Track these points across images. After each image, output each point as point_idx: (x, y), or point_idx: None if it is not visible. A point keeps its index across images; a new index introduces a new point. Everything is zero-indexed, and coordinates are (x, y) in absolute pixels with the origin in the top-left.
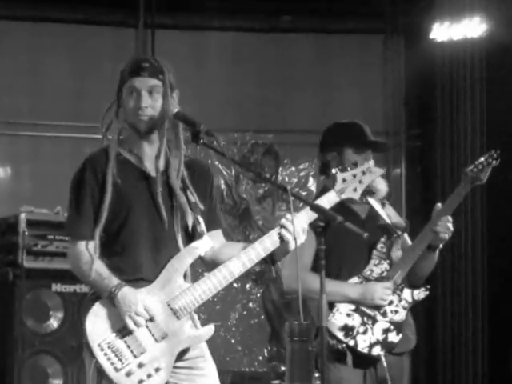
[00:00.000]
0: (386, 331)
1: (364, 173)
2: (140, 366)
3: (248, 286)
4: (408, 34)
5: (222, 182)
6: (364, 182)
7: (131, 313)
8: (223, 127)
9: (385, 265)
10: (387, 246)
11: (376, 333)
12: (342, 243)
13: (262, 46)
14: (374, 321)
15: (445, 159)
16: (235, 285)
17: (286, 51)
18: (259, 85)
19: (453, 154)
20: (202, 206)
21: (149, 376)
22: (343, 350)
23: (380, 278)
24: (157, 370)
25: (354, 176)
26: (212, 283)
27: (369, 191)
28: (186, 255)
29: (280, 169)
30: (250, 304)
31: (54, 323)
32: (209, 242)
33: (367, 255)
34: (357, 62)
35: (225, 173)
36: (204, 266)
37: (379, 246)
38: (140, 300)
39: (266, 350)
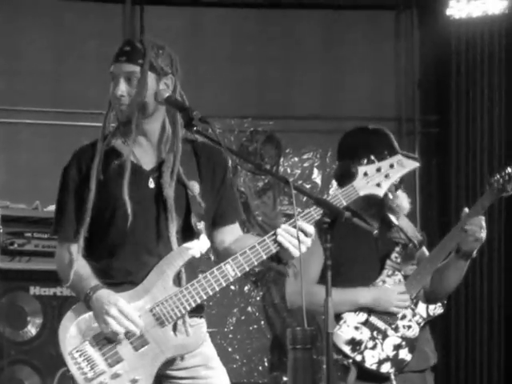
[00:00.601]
0: (397, 347)
1: (392, 166)
2: (115, 376)
3: (247, 288)
4: (422, 10)
5: None
6: (391, 176)
7: (103, 314)
8: (219, 113)
9: (399, 276)
10: (402, 256)
11: (386, 349)
12: (353, 250)
13: (262, 22)
14: (385, 336)
15: (460, 150)
16: (232, 287)
17: (290, 29)
18: (259, 66)
19: (469, 142)
20: (203, 204)
21: None
22: (348, 365)
23: None
24: (133, 381)
25: (379, 170)
26: (203, 288)
27: (392, 209)
28: (177, 256)
29: (282, 159)
30: (249, 308)
31: (31, 330)
32: (206, 243)
33: (380, 265)
34: (367, 41)
35: None
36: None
37: (393, 255)
38: (113, 301)
39: (266, 359)
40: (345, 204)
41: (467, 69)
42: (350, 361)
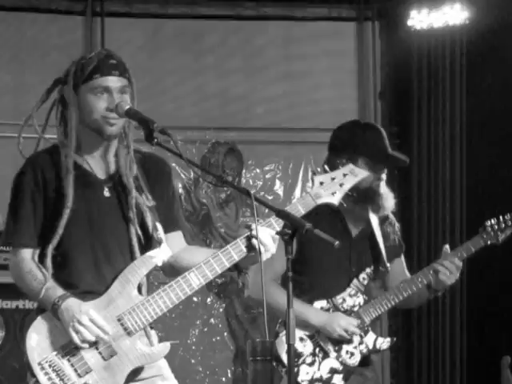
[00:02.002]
0: (333, 371)
1: (345, 175)
2: None
3: (209, 299)
4: (384, 21)
5: (180, 185)
6: (346, 184)
7: (75, 324)
8: (180, 124)
9: (360, 298)
10: (370, 278)
11: (322, 369)
12: (322, 261)
13: (223, 34)
14: (325, 355)
15: (422, 161)
16: (195, 299)
17: (251, 40)
18: (221, 77)
19: (430, 153)
20: (155, 211)
21: None
22: (281, 375)
23: (349, 312)
24: None
25: (333, 179)
26: (168, 297)
27: (374, 209)
28: (141, 265)
29: (244, 170)
30: (212, 320)
31: None
32: (167, 251)
33: (346, 282)
34: (328, 52)
35: (183, 175)
36: (163, 272)
37: (362, 276)
38: (84, 310)
39: (229, 371)
40: (303, 212)
41: (429, 80)
42: (284, 370)
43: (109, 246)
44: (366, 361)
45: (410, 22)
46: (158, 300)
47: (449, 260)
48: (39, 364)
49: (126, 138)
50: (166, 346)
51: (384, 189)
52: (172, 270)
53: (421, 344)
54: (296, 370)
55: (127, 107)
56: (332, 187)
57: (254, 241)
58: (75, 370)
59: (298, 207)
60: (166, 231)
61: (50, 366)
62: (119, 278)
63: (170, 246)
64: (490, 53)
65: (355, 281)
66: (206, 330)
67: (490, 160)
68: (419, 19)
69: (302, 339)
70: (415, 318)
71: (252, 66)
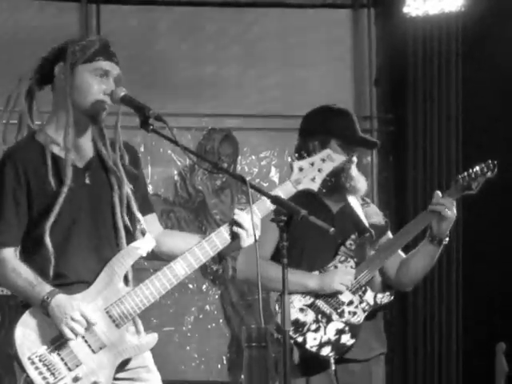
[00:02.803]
0: (339, 332)
1: (324, 160)
2: (75, 380)
3: (204, 286)
4: (379, 8)
5: (176, 172)
6: (324, 170)
7: (67, 320)
8: (176, 112)
9: (351, 263)
10: (357, 243)
11: (328, 332)
12: (305, 236)
13: (219, 21)
14: (329, 320)
15: (417, 148)
16: (190, 286)
17: (246, 28)
18: (216, 64)
19: (426, 141)
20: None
21: None
22: (290, 346)
23: None
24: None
25: (312, 164)
26: (155, 287)
27: (348, 190)
28: (126, 256)
29: (239, 157)
30: (207, 307)
31: None
32: (151, 242)
33: (333, 251)
34: (323, 39)
35: (178, 162)
36: (144, 260)
37: (348, 242)
38: (75, 306)
39: (224, 358)
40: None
41: (424, 67)
42: (292, 341)
43: (95, 234)
44: (369, 347)
45: (405, 9)
46: (144, 291)
47: (441, 199)
48: (29, 359)
49: (117, 125)
50: (154, 337)
51: (355, 171)
52: (152, 255)
53: (416, 328)
54: (302, 338)
55: (122, 94)
56: (311, 173)
57: (236, 228)
58: (65, 364)
59: (280, 194)
60: (144, 214)
61: (40, 360)
62: (105, 269)
63: (149, 230)
64: (485, 39)
65: (342, 247)
66: (201, 316)
67: (487, 146)
68: (415, 6)
69: (301, 310)
70: (411, 304)
71: (248, 53)
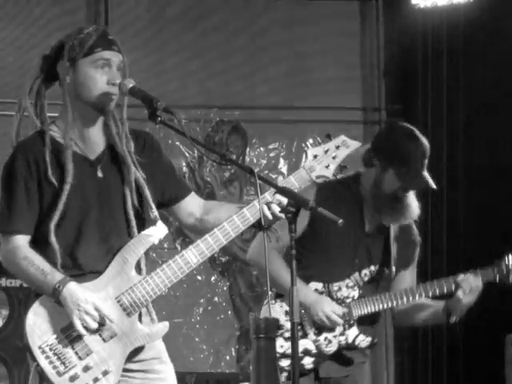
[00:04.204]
0: (305, 352)
1: (338, 147)
2: (86, 369)
3: (213, 278)
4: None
5: (184, 164)
6: (338, 157)
7: (81, 313)
8: (185, 103)
9: (356, 292)
10: (372, 277)
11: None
12: (329, 243)
13: (227, 12)
14: (304, 335)
15: (426, 138)
16: (199, 277)
17: (255, 19)
18: (225, 55)
19: (434, 132)
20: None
21: (95, 380)
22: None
23: (341, 301)
24: (105, 373)
25: (326, 151)
26: (166, 276)
27: (395, 215)
28: (138, 244)
29: (248, 149)
30: (216, 298)
31: None
32: (163, 229)
33: (346, 273)
34: (332, 31)
35: (187, 154)
36: (192, 234)
37: (364, 271)
38: (89, 298)
39: (233, 350)
40: (298, 186)
41: (432, 58)
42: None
43: (105, 226)
44: (348, 361)
45: (413, 1)
46: (156, 279)
47: (470, 277)
48: (40, 348)
49: (122, 114)
50: (165, 326)
51: (411, 198)
52: (199, 231)
53: None
54: None
55: (131, 85)
56: (325, 160)
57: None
58: (76, 353)
59: (293, 182)
60: (184, 195)
61: (50, 349)
62: (117, 257)
63: (193, 209)
64: (494, 31)
65: (356, 274)
66: (210, 308)
67: (494, 137)
68: None
69: (287, 313)
70: None
71: (256, 44)
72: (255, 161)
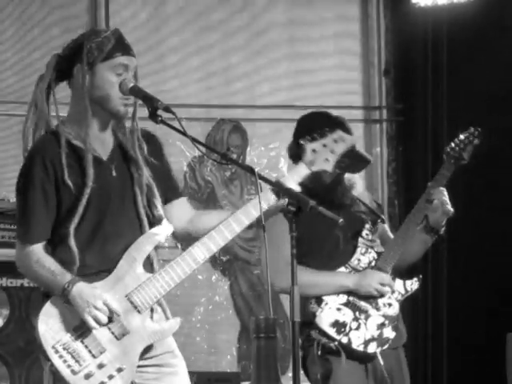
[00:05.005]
0: (380, 326)
1: (336, 141)
2: (100, 366)
3: (214, 277)
4: None
5: (185, 163)
6: (336, 151)
7: (90, 309)
8: (185, 102)
9: (372, 253)
10: (372, 232)
11: (370, 328)
12: (321, 232)
13: (227, 11)
14: (367, 315)
15: (426, 137)
16: (200, 277)
17: (255, 18)
18: (225, 54)
19: (435, 130)
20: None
21: (110, 377)
22: (336, 348)
23: (371, 268)
24: (119, 370)
25: (325, 146)
26: (175, 272)
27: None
28: (145, 242)
29: (248, 148)
30: (217, 298)
31: None
32: (169, 227)
33: (352, 246)
34: (333, 29)
35: (187, 153)
36: (178, 241)
37: (364, 232)
38: (98, 295)
39: (234, 349)
40: (299, 180)
41: (433, 57)
42: (336, 343)
43: (121, 225)
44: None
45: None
46: (164, 276)
47: (433, 189)
48: (53, 347)
49: (134, 115)
50: (176, 322)
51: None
52: (188, 236)
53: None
54: (347, 339)
55: (131, 85)
56: (324, 154)
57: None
58: (89, 351)
59: (294, 176)
60: (173, 198)
61: (64, 348)
62: (124, 256)
63: (180, 213)
64: (495, 29)
65: (360, 239)
66: (210, 307)
67: (497, 134)
68: None
69: (339, 309)
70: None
71: (257, 43)
72: (256, 160)
